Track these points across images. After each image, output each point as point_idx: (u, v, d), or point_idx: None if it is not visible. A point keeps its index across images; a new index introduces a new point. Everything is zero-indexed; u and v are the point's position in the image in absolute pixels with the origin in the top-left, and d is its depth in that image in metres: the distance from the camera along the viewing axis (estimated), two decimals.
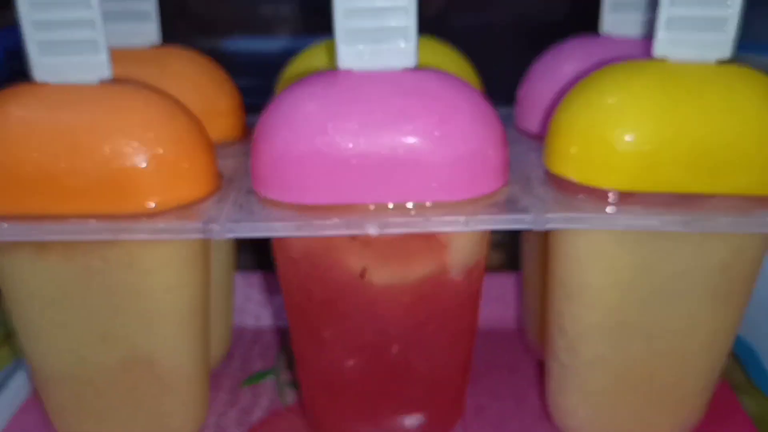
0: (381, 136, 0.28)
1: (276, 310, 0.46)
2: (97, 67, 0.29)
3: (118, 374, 0.32)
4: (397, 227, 0.28)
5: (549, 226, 0.28)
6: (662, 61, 0.30)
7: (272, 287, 0.47)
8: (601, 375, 0.33)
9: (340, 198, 0.29)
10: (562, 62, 0.36)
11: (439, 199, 0.29)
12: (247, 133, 0.39)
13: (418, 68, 0.30)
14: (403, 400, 0.34)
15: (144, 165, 0.28)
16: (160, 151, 0.28)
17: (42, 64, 0.29)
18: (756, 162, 0.28)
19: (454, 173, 0.29)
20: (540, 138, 0.36)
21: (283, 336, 0.45)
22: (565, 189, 0.30)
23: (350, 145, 0.28)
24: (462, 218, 0.28)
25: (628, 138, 0.28)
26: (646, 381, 0.33)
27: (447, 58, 0.38)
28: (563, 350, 0.33)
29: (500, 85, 0.39)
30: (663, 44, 0.29)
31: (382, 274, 0.30)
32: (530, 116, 0.37)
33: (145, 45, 0.36)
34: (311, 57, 0.38)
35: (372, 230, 0.28)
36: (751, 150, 0.28)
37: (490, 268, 0.52)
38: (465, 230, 0.28)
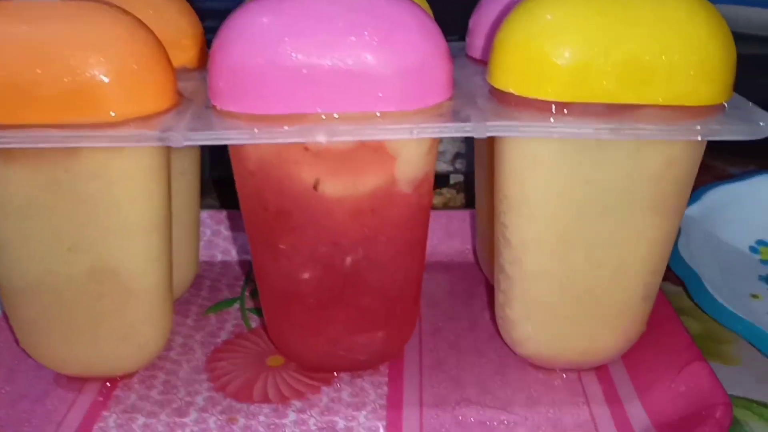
0: (331, 47, 0.29)
1: (243, 245, 0.48)
2: None
3: (84, 285, 0.34)
4: (346, 135, 0.30)
5: (489, 133, 0.30)
6: None
7: (239, 225, 0.48)
8: (545, 286, 0.35)
9: (292, 108, 0.30)
10: None
11: (387, 109, 0.30)
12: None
13: None
14: (358, 314, 0.36)
15: (105, 76, 0.30)
16: (122, 62, 0.30)
17: None
18: (684, 72, 0.30)
19: (400, 84, 0.30)
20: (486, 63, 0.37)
21: (249, 268, 0.47)
22: (506, 102, 0.31)
23: (301, 56, 0.29)
24: (408, 126, 0.30)
25: (561, 50, 0.30)
26: (588, 292, 0.35)
27: None
28: (508, 263, 0.35)
29: (453, 20, 0.40)
30: None
31: (334, 186, 0.32)
32: (479, 43, 0.39)
33: None
34: None
35: (321, 137, 0.30)
36: (678, 60, 0.30)
37: (453, 208, 0.54)
38: (411, 137, 0.30)
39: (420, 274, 0.36)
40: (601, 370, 0.37)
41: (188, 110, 0.32)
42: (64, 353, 0.36)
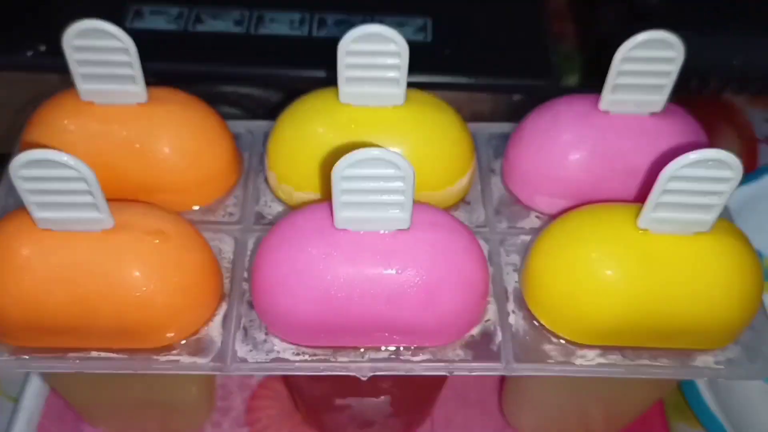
0: (373, 309, 0.30)
1: None
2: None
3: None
4: (387, 370, 0.32)
5: (517, 374, 0.33)
6: (643, 231, 0.31)
7: None
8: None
9: (335, 344, 0.32)
10: (555, 131, 0.36)
11: (424, 345, 0.32)
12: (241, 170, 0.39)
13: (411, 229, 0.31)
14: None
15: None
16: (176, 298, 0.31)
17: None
18: (712, 332, 0.32)
19: (438, 332, 0.32)
20: (525, 205, 0.38)
21: None
22: (537, 329, 0.33)
23: (345, 316, 0.31)
24: (444, 365, 0.32)
25: (595, 307, 0.31)
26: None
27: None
28: None
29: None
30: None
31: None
32: (516, 179, 0.38)
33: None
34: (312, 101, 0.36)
35: (362, 375, 0.32)
36: (710, 323, 0.31)
37: None
38: (448, 374, 0.33)
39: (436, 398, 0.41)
40: None
41: (233, 310, 0.33)
42: None
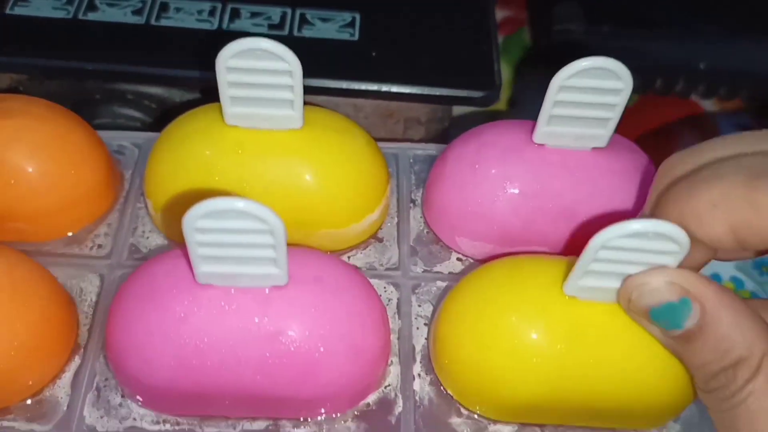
0: (241, 378, 0.25)
1: None
2: None
3: None
4: None
5: None
6: (570, 298, 0.26)
7: None
8: None
9: (201, 412, 0.27)
10: (481, 164, 0.31)
11: (307, 416, 0.28)
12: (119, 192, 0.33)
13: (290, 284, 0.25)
14: None
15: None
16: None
17: None
18: (647, 408, 0.27)
19: (322, 404, 0.27)
20: (445, 245, 0.32)
21: None
22: (442, 395, 0.28)
23: (208, 386, 0.26)
24: None
25: (511, 382, 0.26)
26: None
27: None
28: None
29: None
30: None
31: None
32: (436, 216, 0.33)
33: None
34: (196, 119, 0.31)
35: None
36: (647, 401, 0.27)
37: None
38: None
39: None
40: None
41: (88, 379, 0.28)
42: None
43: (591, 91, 0.28)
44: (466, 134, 0.32)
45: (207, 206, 0.22)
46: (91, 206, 0.32)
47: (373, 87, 0.37)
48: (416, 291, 0.31)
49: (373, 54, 0.38)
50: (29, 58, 0.37)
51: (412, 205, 0.34)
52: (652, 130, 0.48)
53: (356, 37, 0.39)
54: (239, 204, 0.22)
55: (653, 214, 0.25)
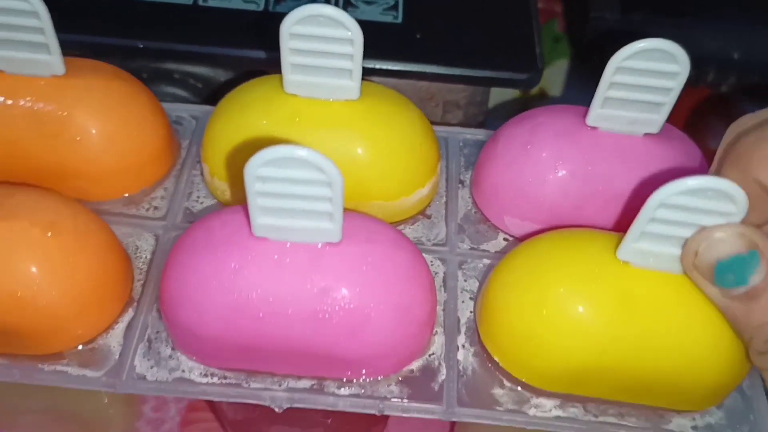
0: (289, 332, 0.26)
1: None
2: None
3: None
4: (306, 404, 0.28)
5: (456, 419, 0.28)
6: (623, 264, 0.26)
7: None
8: None
9: (248, 367, 0.28)
10: (533, 144, 0.31)
11: (352, 377, 0.28)
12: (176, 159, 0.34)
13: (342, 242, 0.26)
14: None
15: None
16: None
17: None
18: (692, 389, 0.27)
19: (368, 364, 0.27)
20: (493, 225, 0.33)
21: None
22: (490, 368, 0.29)
23: (257, 338, 0.26)
24: (373, 402, 0.28)
25: (558, 349, 0.26)
26: None
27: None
28: None
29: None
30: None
31: None
32: (485, 196, 0.33)
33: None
34: (255, 88, 0.32)
35: (277, 406, 0.28)
36: (693, 380, 0.26)
37: None
38: (377, 414, 0.28)
39: None
40: None
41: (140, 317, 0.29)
42: None
43: (647, 74, 0.28)
44: (518, 116, 0.32)
45: (269, 153, 0.23)
46: (150, 170, 0.33)
47: (418, 68, 0.38)
48: (462, 267, 0.31)
49: (418, 36, 0.39)
50: (78, 36, 0.38)
51: (460, 185, 0.34)
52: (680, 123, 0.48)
53: (399, 19, 0.40)
54: (301, 152, 0.23)
55: (719, 171, 0.25)
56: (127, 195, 0.32)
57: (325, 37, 0.28)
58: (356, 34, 0.28)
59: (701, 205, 0.23)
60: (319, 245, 0.26)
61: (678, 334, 0.26)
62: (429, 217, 0.33)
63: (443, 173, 0.34)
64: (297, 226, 0.25)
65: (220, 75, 0.41)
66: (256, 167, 0.23)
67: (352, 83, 0.30)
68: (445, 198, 0.34)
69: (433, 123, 0.33)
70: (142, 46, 0.37)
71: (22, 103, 0.30)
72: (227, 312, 0.26)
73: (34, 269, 0.26)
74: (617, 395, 0.28)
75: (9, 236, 0.26)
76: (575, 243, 0.27)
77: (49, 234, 0.26)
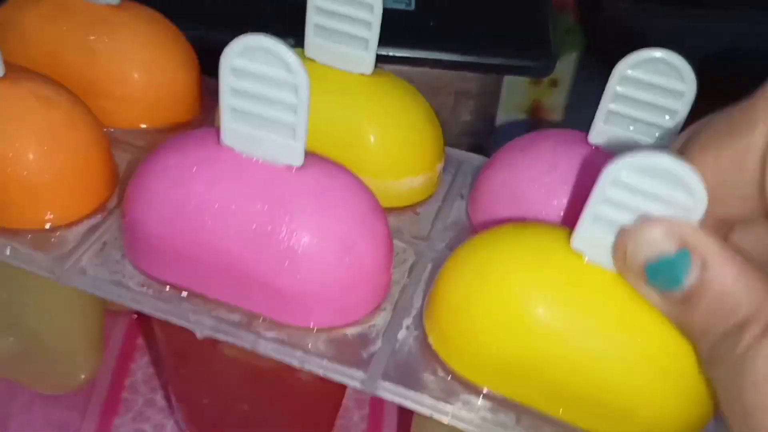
0: (226, 247, 0.25)
1: None
2: None
3: None
4: (227, 337, 0.27)
5: (379, 393, 0.26)
6: (577, 256, 0.24)
7: None
8: None
9: (186, 285, 0.27)
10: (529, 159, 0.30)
11: (283, 320, 0.27)
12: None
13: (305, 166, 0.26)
14: None
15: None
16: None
17: None
18: (652, 416, 0.24)
19: (300, 305, 0.26)
20: None
21: None
22: (423, 352, 0.27)
23: (198, 245, 0.26)
24: (294, 352, 0.26)
25: (485, 338, 0.24)
26: None
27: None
28: None
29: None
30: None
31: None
32: (478, 210, 0.32)
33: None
34: None
35: (199, 333, 0.27)
36: (653, 404, 0.23)
37: None
38: (297, 366, 0.26)
39: None
40: None
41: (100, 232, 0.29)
42: None
43: (652, 89, 0.27)
44: (516, 139, 0.32)
45: (242, 41, 0.24)
46: (177, 107, 0.34)
47: (430, 55, 0.39)
48: (434, 262, 0.30)
49: (431, 23, 0.40)
50: None
51: (459, 197, 0.33)
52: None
53: (412, 6, 0.41)
54: (269, 43, 0.24)
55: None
56: (143, 126, 0.34)
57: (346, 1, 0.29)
58: (377, 2, 0.29)
59: (659, 192, 0.22)
60: (280, 166, 0.26)
61: (627, 343, 0.23)
62: (417, 214, 0.32)
63: (446, 186, 0.34)
64: (263, 139, 0.25)
65: None
66: (232, 56, 0.24)
67: (367, 55, 0.30)
68: (440, 204, 0.33)
69: (447, 142, 0.33)
70: None
71: (68, 16, 0.32)
72: (174, 211, 0.26)
73: (21, 134, 0.27)
74: (555, 406, 0.25)
75: (8, 99, 0.27)
76: (533, 230, 0.26)
77: (44, 107, 0.28)
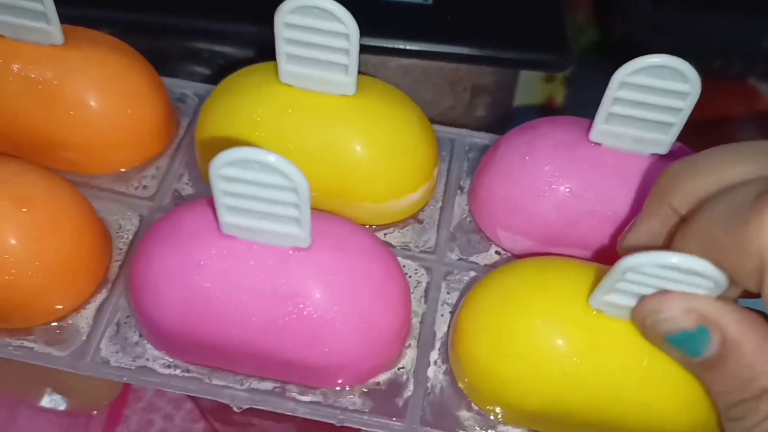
0: (247, 335, 0.25)
1: None
2: None
3: None
4: (266, 406, 0.27)
5: None
6: (593, 311, 0.24)
7: None
8: None
9: (211, 363, 0.27)
10: (531, 157, 0.29)
11: (314, 384, 0.27)
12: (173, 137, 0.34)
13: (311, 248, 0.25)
14: None
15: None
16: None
17: None
18: None
19: (329, 374, 0.27)
20: (486, 236, 0.31)
21: None
22: (456, 388, 0.28)
23: (214, 337, 0.26)
24: (333, 412, 0.27)
25: (524, 387, 0.25)
26: None
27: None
28: None
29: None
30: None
31: None
32: (480, 206, 0.31)
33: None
34: (251, 75, 0.31)
35: (237, 405, 0.27)
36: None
37: None
38: (336, 424, 0.27)
39: None
40: None
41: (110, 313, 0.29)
42: None
43: (654, 92, 0.26)
44: (521, 126, 0.31)
45: (232, 155, 0.22)
46: (143, 147, 0.32)
47: (448, 49, 0.37)
48: (447, 277, 0.30)
49: (448, 18, 0.38)
50: (105, 12, 0.38)
51: (459, 191, 0.33)
52: (708, 121, 0.45)
53: (430, 0, 0.39)
54: (265, 157, 0.22)
55: (677, 245, 0.23)
56: (118, 171, 0.32)
57: (320, 30, 0.27)
58: (352, 29, 0.27)
59: (676, 277, 0.22)
60: (288, 250, 0.25)
61: (647, 385, 0.24)
62: (421, 222, 0.32)
63: (443, 176, 0.33)
64: (264, 228, 0.24)
65: (250, 55, 0.40)
66: (219, 167, 0.23)
67: (348, 79, 0.28)
68: (441, 203, 0.32)
69: (452, 124, 0.32)
70: (170, 23, 0.37)
71: (17, 69, 0.29)
72: (184, 304, 0.25)
73: (4, 243, 0.26)
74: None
75: None
76: (551, 278, 0.26)
77: (24, 209, 0.26)
